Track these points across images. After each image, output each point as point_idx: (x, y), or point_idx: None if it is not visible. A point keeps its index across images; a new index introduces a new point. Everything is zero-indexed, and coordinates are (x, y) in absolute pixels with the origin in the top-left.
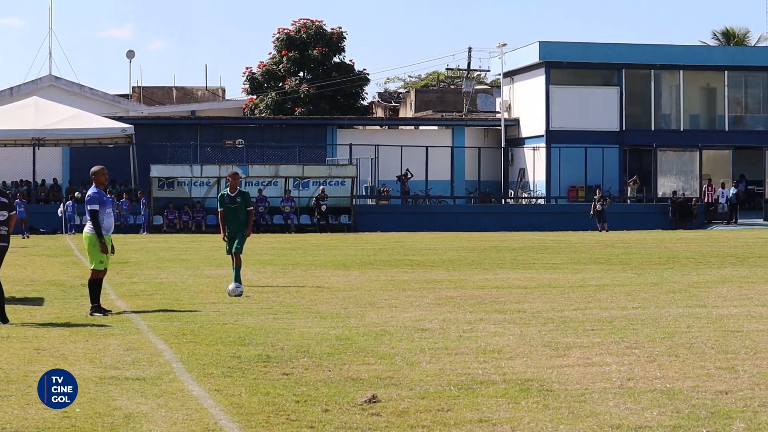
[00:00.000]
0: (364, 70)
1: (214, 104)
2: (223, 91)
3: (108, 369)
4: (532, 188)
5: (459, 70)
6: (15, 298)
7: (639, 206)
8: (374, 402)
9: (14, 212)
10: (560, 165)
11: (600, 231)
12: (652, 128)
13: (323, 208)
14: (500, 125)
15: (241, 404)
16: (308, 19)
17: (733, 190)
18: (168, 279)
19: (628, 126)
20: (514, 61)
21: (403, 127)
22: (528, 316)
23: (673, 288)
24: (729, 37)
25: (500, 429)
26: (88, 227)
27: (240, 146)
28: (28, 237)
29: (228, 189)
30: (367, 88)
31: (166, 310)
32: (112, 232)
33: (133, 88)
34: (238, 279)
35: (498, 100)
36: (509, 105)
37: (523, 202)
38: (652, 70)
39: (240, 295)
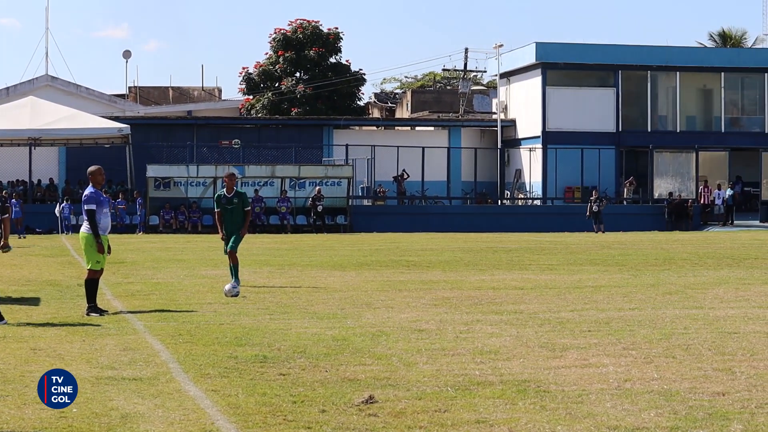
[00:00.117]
0: (360, 70)
1: (211, 104)
2: (220, 91)
3: (105, 369)
4: (528, 189)
5: (455, 70)
6: (11, 298)
7: (635, 207)
8: (371, 403)
9: (7, 215)
10: (556, 166)
11: (596, 232)
12: (649, 129)
13: (319, 208)
14: (496, 126)
15: (238, 405)
16: (305, 20)
17: (729, 192)
18: (164, 279)
19: (624, 127)
20: (511, 62)
21: (400, 128)
22: (525, 317)
23: (670, 289)
24: (726, 38)
25: (497, 430)
26: (84, 227)
27: (236, 146)
28: (25, 237)
29: (225, 190)
30: (363, 89)
31: (163, 311)
32: (109, 232)
33: (130, 88)
34: (236, 277)
35: (494, 101)
36: (505, 106)
37: (520, 203)
38: (649, 72)
39: (236, 295)
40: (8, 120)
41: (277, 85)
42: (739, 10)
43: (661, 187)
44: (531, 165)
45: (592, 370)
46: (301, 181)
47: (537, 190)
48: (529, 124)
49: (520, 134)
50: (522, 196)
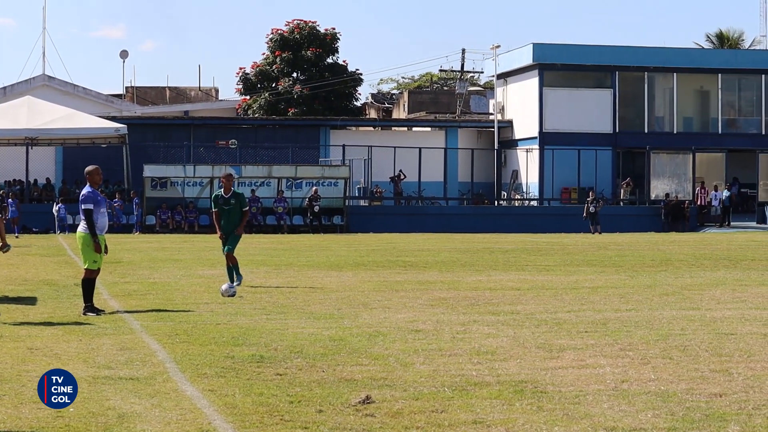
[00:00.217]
0: (357, 70)
1: (208, 104)
2: (217, 91)
3: (101, 369)
4: (525, 190)
5: (452, 71)
6: (8, 298)
7: (632, 208)
8: (368, 403)
9: (1, 215)
10: (553, 167)
11: (593, 233)
12: (646, 130)
13: (316, 208)
14: (493, 127)
15: (235, 404)
16: (302, 20)
17: (726, 193)
18: (161, 279)
19: (621, 128)
20: (508, 62)
21: (396, 128)
22: (521, 318)
23: (667, 290)
24: (723, 40)
25: (495, 430)
26: (81, 226)
27: (233, 147)
28: (18, 237)
29: (222, 190)
30: (360, 89)
31: (160, 310)
32: (105, 232)
33: (127, 88)
34: (238, 275)
35: (491, 102)
36: (502, 107)
37: (516, 204)
38: (646, 73)
39: (233, 295)
40: (5, 119)
41: (274, 85)
42: (736, 11)
43: (658, 188)
44: (528, 166)
45: (589, 370)
46: (298, 181)
47: (534, 191)
48: (526, 125)
49: (517, 135)
50: (519, 197)
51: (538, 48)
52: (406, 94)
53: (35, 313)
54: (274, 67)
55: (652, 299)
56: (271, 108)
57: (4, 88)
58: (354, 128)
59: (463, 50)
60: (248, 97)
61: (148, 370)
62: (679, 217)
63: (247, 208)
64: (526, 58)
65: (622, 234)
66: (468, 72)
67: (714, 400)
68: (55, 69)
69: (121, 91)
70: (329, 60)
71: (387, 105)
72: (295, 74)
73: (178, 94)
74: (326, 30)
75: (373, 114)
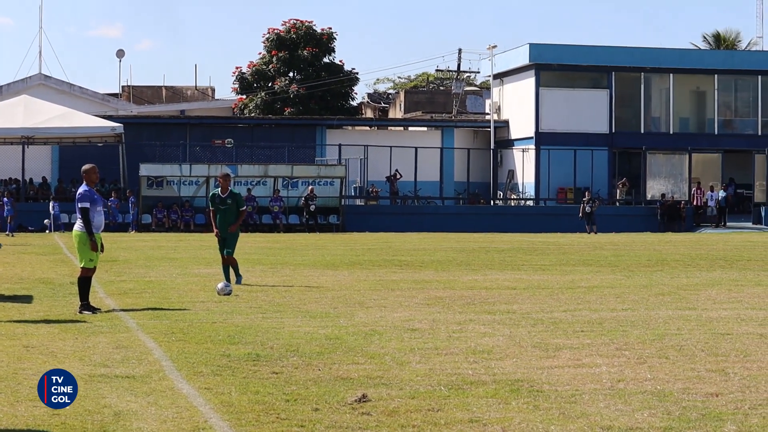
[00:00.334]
0: (353, 69)
1: (204, 104)
2: (213, 90)
3: (97, 367)
4: (520, 190)
5: (449, 71)
6: (4, 296)
7: (628, 209)
8: (364, 401)
9: None
10: (549, 167)
11: (588, 233)
12: (642, 131)
13: (312, 208)
14: (489, 127)
15: (231, 403)
16: (298, 20)
17: (722, 194)
18: (157, 277)
19: (617, 128)
20: (504, 62)
21: (393, 128)
22: (517, 317)
23: (663, 290)
24: (719, 40)
25: (491, 429)
26: (78, 225)
27: (229, 146)
28: (13, 235)
29: (219, 190)
30: (356, 89)
31: (155, 309)
32: (102, 231)
33: (123, 87)
34: (237, 275)
35: (487, 102)
36: (499, 107)
37: (512, 204)
38: (642, 73)
39: (229, 294)
40: (2, 118)
41: (270, 84)
42: (733, 12)
43: (654, 189)
44: (524, 166)
45: (585, 370)
46: (294, 180)
47: (530, 191)
48: (522, 125)
49: (513, 135)
50: (515, 197)
51: (534, 48)
52: (402, 94)
53: (31, 311)
54: (270, 66)
55: (648, 299)
56: (267, 107)
57: (1, 87)
58: (350, 128)
59: (460, 50)
60: (244, 97)
61: (144, 369)
62: (675, 217)
63: (245, 207)
64: (522, 58)
65: (618, 234)
66: (464, 72)
67: (710, 400)
68: (52, 68)
69: (117, 90)
70: (325, 59)
71: (383, 105)
72: (291, 74)
73: (175, 94)
74: (323, 30)
75: (369, 114)
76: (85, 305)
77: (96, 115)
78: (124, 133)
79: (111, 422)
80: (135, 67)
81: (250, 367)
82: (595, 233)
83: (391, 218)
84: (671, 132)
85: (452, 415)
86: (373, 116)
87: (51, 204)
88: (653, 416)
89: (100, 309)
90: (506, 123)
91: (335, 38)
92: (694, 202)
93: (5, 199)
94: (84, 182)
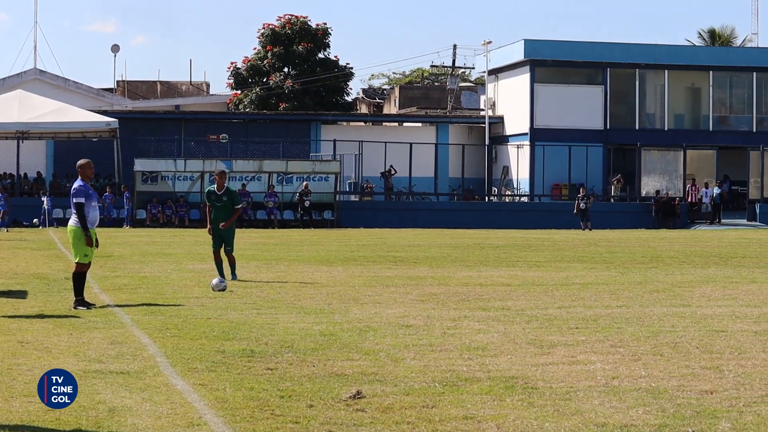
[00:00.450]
0: (348, 64)
1: (199, 99)
2: (208, 86)
3: (92, 362)
4: (515, 186)
5: (444, 67)
6: None
7: (622, 205)
8: (359, 398)
9: None
10: (544, 163)
11: (583, 229)
12: (637, 127)
13: (306, 203)
14: (484, 123)
15: (226, 399)
16: (293, 15)
17: (716, 190)
18: (151, 273)
19: (612, 125)
20: (499, 58)
21: (387, 124)
22: (512, 314)
23: (657, 287)
24: (715, 37)
25: (485, 426)
26: (73, 220)
27: (224, 141)
28: (8, 230)
29: (215, 187)
30: (351, 84)
31: (150, 304)
32: (96, 226)
33: (118, 82)
34: (233, 273)
35: (482, 98)
36: (493, 102)
37: (507, 200)
38: (637, 70)
39: (223, 290)
40: None
41: (265, 80)
42: (728, 8)
43: (649, 185)
44: (518, 162)
45: (580, 367)
46: (289, 176)
47: (524, 187)
48: (516, 121)
49: (508, 131)
50: (509, 193)
51: (529, 44)
52: (397, 90)
53: (26, 306)
54: (265, 61)
55: (642, 296)
56: (262, 103)
57: None
58: (345, 123)
59: (455, 46)
60: (239, 92)
61: (139, 365)
62: (670, 214)
63: (240, 205)
64: (517, 54)
65: (612, 231)
66: (459, 68)
67: (705, 397)
68: (47, 63)
69: (112, 85)
70: (320, 55)
71: (378, 100)
72: (286, 69)
73: (169, 89)
74: (317, 25)
75: (364, 109)
76: (80, 301)
77: (91, 110)
78: (118, 128)
79: (105, 418)
80: (130, 62)
81: (245, 364)
82: (590, 230)
83: (386, 214)
84: (666, 128)
85: (447, 412)
86: (367, 112)
87: (44, 198)
88: (648, 413)
89: (94, 304)
90: (501, 119)
91: (330, 34)
92: (689, 199)
93: None
94: (79, 177)
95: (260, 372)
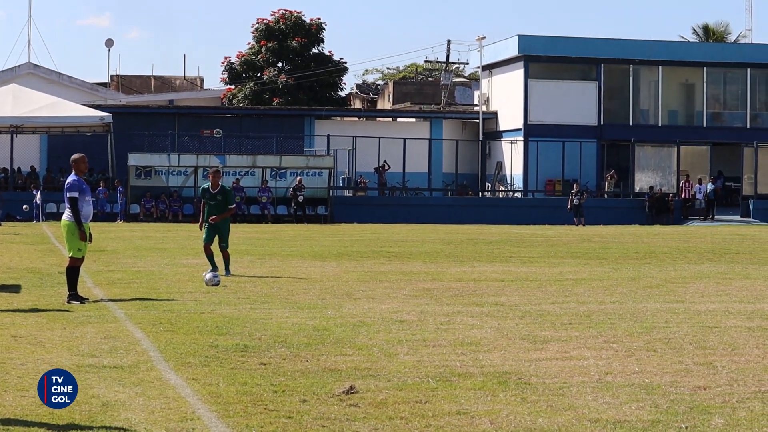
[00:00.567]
0: (342, 59)
1: (192, 94)
2: (202, 80)
3: (85, 357)
4: (509, 182)
5: (437, 62)
6: None
7: (616, 201)
8: (352, 393)
9: None
10: (538, 159)
11: (577, 225)
12: (630, 123)
13: (300, 198)
14: (478, 118)
15: (219, 393)
16: (287, 10)
17: (710, 186)
18: (145, 268)
19: (606, 121)
20: (493, 54)
21: (381, 119)
22: (505, 309)
23: (651, 283)
24: (709, 33)
25: (478, 421)
26: (66, 215)
27: (218, 136)
28: (1, 225)
29: (209, 185)
30: (345, 79)
31: (144, 299)
32: (90, 220)
33: (112, 76)
34: (227, 269)
35: (476, 93)
36: (487, 98)
37: (500, 196)
38: (631, 65)
39: (217, 284)
40: None
41: (259, 75)
42: (722, 4)
43: (642, 181)
44: (512, 157)
45: (573, 362)
46: (282, 171)
47: (518, 183)
48: (510, 117)
49: (502, 126)
50: (503, 189)
51: (523, 40)
52: (391, 85)
53: (19, 301)
54: (259, 56)
55: (636, 292)
56: (255, 98)
57: None
58: (339, 118)
59: (449, 41)
60: (233, 87)
61: (132, 359)
62: (664, 210)
63: (234, 205)
64: (511, 49)
65: (606, 226)
66: (453, 63)
67: (698, 393)
68: (41, 57)
69: (106, 79)
70: (314, 50)
71: (372, 95)
72: (280, 64)
73: (163, 83)
74: (311, 20)
75: (357, 104)
76: (73, 295)
77: (85, 105)
78: (112, 123)
79: (99, 412)
80: (124, 56)
81: (238, 358)
82: (584, 225)
83: (380, 209)
84: (660, 124)
85: (440, 407)
86: (361, 107)
87: (34, 192)
88: (641, 409)
89: (88, 299)
90: (495, 114)
91: (324, 29)
92: (683, 195)
93: None
94: (73, 172)
95: (254, 367)
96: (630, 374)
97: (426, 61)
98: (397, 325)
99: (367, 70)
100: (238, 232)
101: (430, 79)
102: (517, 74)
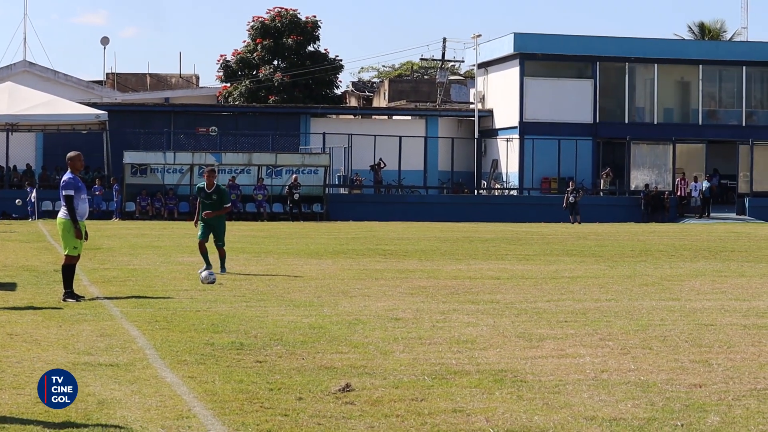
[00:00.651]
0: (338, 57)
1: (188, 91)
2: (197, 78)
3: (81, 355)
4: (504, 179)
5: (433, 60)
6: None
7: (612, 199)
8: (348, 391)
9: None
10: (533, 156)
11: (572, 223)
12: (626, 121)
13: (296, 196)
14: (474, 116)
15: (215, 391)
16: (283, 8)
17: (706, 184)
18: (141, 265)
19: (601, 118)
20: (489, 52)
21: (377, 117)
22: (501, 307)
23: (646, 281)
24: (704, 31)
25: (474, 419)
26: (62, 212)
27: (213, 134)
28: None
29: (205, 184)
30: (340, 77)
31: (139, 297)
32: (86, 218)
33: (107, 74)
34: (222, 266)
35: (472, 91)
36: (483, 96)
37: (496, 194)
38: (627, 63)
39: (213, 282)
40: None
41: (254, 72)
42: (718, 2)
43: (638, 179)
44: (508, 155)
45: (569, 360)
46: (278, 169)
47: (514, 181)
48: (506, 115)
49: (498, 124)
50: (498, 187)
51: (519, 38)
52: (386, 83)
53: (15, 298)
54: (254, 54)
55: (631, 289)
56: (251, 95)
57: None
58: (334, 116)
59: (444, 39)
60: (229, 85)
61: (128, 357)
62: (659, 207)
63: (229, 204)
64: (507, 47)
65: (601, 224)
66: (449, 61)
67: (694, 391)
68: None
69: (101, 77)
70: (310, 48)
71: (367, 93)
72: (275, 62)
73: (159, 81)
74: (307, 18)
75: (353, 102)
76: (69, 293)
77: (80, 103)
78: (108, 121)
79: (95, 410)
80: (119, 54)
81: (234, 356)
82: (579, 223)
83: (375, 207)
84: (655, 122)
85: (436, 405)
86: (357, 105)
87: (28, 189)
88: (637, 407)
89: (83, 297)
90: (490, 112)
91: (320, 26)
92: (678, 193)
93: None
94: (69, 170)
95: (249, 365)
96: (626, 372)
97: (422, 59)
98: (393, 323)
99: (362, 68)
100: (233, 229)
101: (425, 76)
102: (513, 72)
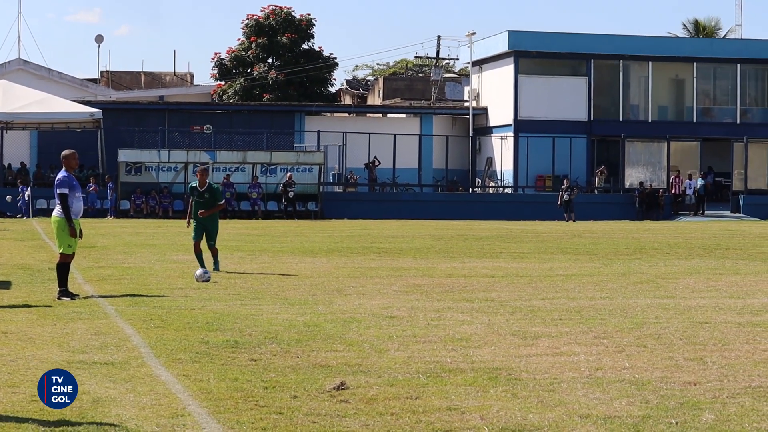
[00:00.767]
0: (332, 55)
1: (183, 90)
2: (192, 76)
3: (76, 353)
4: (499, 177)
5: (428, 58)
6: None
7: (606, 197)
8: (343, 389)
9: None
10: (528, 154)
11: (567, 221)
12: (621, 119)
13: (290, 194)
14: (468, 114)
15: (210, 390)
16: (277, 6)
17: (700, 182)
18: (135, 264)
19: (596, 116)
20: (483, 50)
21: (371, 115)
22: (496, 305)
23: (641, 279)
24: (699, 28)
25: (469, 417)
26: (57, 211)
27: (208, 132)
28: None
29: (197, 183)
30: (335, 75)
31: (134, 295)
32: (80, 216)
33: (102, 72)
34: (216, 264)
35: (466, 89)
36: (477, 94)
37: (491, 191)
38: (621, 61)
39: (207, 281)
40: None
41: (249, 70)
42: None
43: (633, 177)
44: (502, 153)
45: (564, 358)
46: (273, 167)
47: (508, 179)
48: (500, 113)
49: (492, 122)
50: (493, 185)
51: (513, 35)
52: (381, 81)
53: (9, 297)
54: (249, 52)
55: (626, 287)
56: (246, 93)
57: None
58: (329, 114)
59: (439, 37)
60: (223, 83)
61: (123, 355)
62: (654, 205)
63: (222, 201)
64: (501, 45)
65: (596, 222)
66: (443, 59)
67: (688, 389)
68: (31, 53)
69: (96, 75)
70: (304, 46)
71: (362, 91)
72: (270, 60)
73: (153, 79)
74: (302, 16)
75: (348, 100)
76: (64, 291)
77: (75, 101)
78: (102, 119)
79: (90, 409)
80: (114, 52)
81: (229, 354)
82: (574, 221)
83: (370, 205)
84: (650, 120)
85: (430, 403)
86: (351, 103)
87: (21, 188)
88: (631, 405)
89: (78, 295)
90: (485, 110)
91: (314, 24)
92: (673, 191)
93: None
94: (63, 168)
95: (244, 363)
96: (620, 370)
97: (416, 57)
98: (388, 321)
99: (357, 66)
100: (228, 228)
101: (420, 74)
102: (507, 70)
